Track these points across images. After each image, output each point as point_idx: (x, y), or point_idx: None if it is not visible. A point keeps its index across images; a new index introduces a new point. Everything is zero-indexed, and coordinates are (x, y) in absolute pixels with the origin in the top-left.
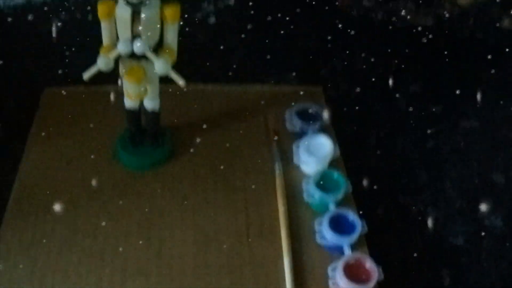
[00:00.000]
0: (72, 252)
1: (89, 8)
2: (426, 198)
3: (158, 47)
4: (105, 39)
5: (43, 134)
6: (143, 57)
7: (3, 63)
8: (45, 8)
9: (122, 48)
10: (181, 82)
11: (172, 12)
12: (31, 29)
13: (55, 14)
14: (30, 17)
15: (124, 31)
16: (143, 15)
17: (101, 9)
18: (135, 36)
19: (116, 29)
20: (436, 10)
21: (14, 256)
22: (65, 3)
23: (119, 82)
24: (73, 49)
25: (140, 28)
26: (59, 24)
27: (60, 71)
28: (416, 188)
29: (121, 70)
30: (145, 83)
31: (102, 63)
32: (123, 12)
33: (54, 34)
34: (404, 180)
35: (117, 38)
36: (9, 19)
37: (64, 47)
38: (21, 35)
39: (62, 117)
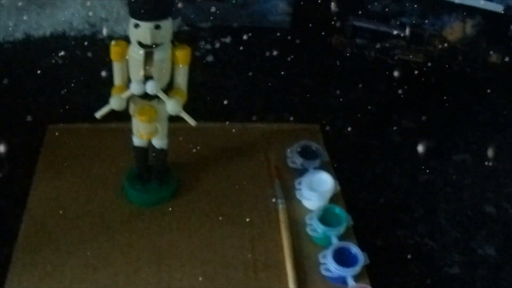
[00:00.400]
0: (83, 285)
1: (86, 44)
2: (422, 230)
3: (168, 88)
4: (117, 79)
5: (49, 170)
6: (154, 97)
7: (5, 101)
8: (45, 45)
9: (135, 88)
10: (192, 122)
11: (183, 55)
12: (31, 66)
13: (54, 51)
14: (29, 53)
15: (137, 72)
16: (156, 57)
17: (114, 51)
18: (147, 77)
19: (128, 70)
20: (426, 47)
21: None
22: (64, 39)
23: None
24: (72, 86)
25: (152, 69)
26: (59, 60)
27: (61, 109)
28: (412, 221)
29: (132, 109)
30: (155, 122)
31: (116, 103)
32: (136, 54)
33: (54, 71)
34: (400, 213)
35: (129, 78)
36: (9, 55)
37: (65, 84)
38: (20, 72)
39: (67, 154)
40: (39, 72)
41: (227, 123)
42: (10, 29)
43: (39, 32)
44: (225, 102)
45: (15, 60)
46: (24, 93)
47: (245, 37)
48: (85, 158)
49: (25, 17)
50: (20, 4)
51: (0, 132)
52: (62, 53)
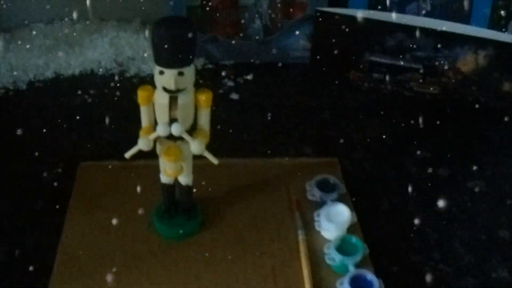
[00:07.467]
0: None
1: (114, 83)
2: (437, 256)
3: (192, 129)
4: (144, 121)
5: (82, 206)
6: (179, 138)
7: (38, 139)
8: (74, 83)
9: (161, 130)
10: (214, 161)
11: (205, 99)
12: (61, 104)
13: (83, 89)
14: (60, 92)
15: (163, 115)
16: (180, 102)
17: (141, 96)
18: (172, 119)
19: (154, 113)
20: (441, 79)
21: None
22: (93, 78)
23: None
24: (102, 124)
25: (177, 112)
26: (88, 99)
27: (92, 146)
28: (427, 247)
29: (159, 149)
30: (181, 161)
31: (143, 144)
32: (161, 99)
33: (83, 109)
34: (416, 240)
35: (155, 120)
36: (40, 93)
37: (95, 122)
38: (52, 110)
39: (98, 190)
40: (69, 110)
41: (249, 158)
42: (41, 68)
43: (69, 71)
44: (247, 137)
45: (46, 98)
46: (56, 131)
47: (266, 73)
48: (115, 194)
49: (54, 57)
50: (49, 43)
51: (35, 169)
52: (91, 91)
